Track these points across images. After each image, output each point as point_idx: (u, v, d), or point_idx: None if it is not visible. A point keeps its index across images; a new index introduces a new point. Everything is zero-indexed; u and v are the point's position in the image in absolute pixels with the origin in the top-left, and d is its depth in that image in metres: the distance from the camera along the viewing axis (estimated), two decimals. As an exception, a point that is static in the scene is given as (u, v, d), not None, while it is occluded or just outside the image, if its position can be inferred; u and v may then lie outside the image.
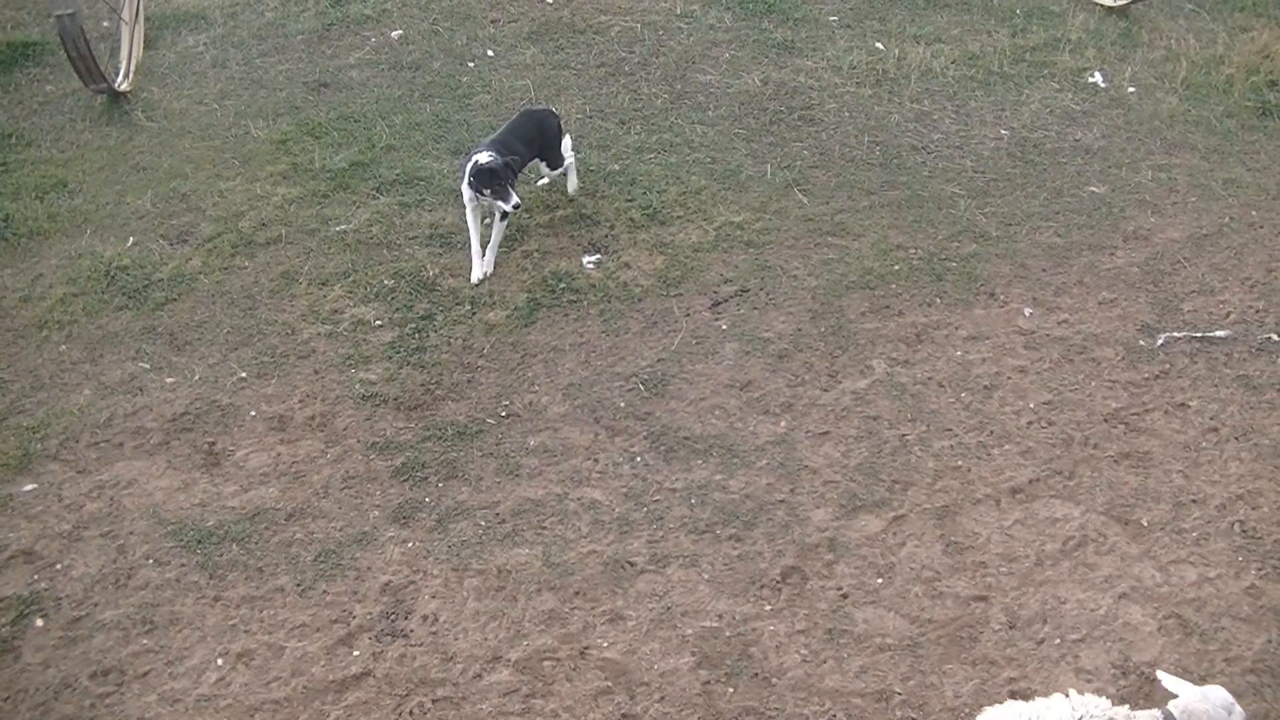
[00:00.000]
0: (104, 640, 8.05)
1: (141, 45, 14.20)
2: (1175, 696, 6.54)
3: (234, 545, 8.61)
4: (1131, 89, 13.04)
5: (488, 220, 10.85)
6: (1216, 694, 6.55)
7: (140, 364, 10.07)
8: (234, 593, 8.32)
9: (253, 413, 9.61)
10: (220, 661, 7.90)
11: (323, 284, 10.73)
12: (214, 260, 11.04)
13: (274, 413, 9.60)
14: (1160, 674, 6.78)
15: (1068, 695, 6.45)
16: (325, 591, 8.31)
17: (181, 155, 12.48)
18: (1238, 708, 6.53)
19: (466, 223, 10.76)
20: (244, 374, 9.93)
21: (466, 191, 10.54)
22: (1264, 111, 12.64)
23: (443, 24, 14.36)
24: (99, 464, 9.26)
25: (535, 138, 11.05)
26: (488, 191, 10.42)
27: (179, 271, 10.93)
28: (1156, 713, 6.45)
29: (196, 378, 9.91)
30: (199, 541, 8.64)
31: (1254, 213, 11.27)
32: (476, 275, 10.65)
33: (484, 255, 10.70)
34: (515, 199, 10.42)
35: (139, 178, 12.19)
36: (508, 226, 10.89)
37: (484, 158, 10.38)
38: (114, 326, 10.43)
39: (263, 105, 13.17)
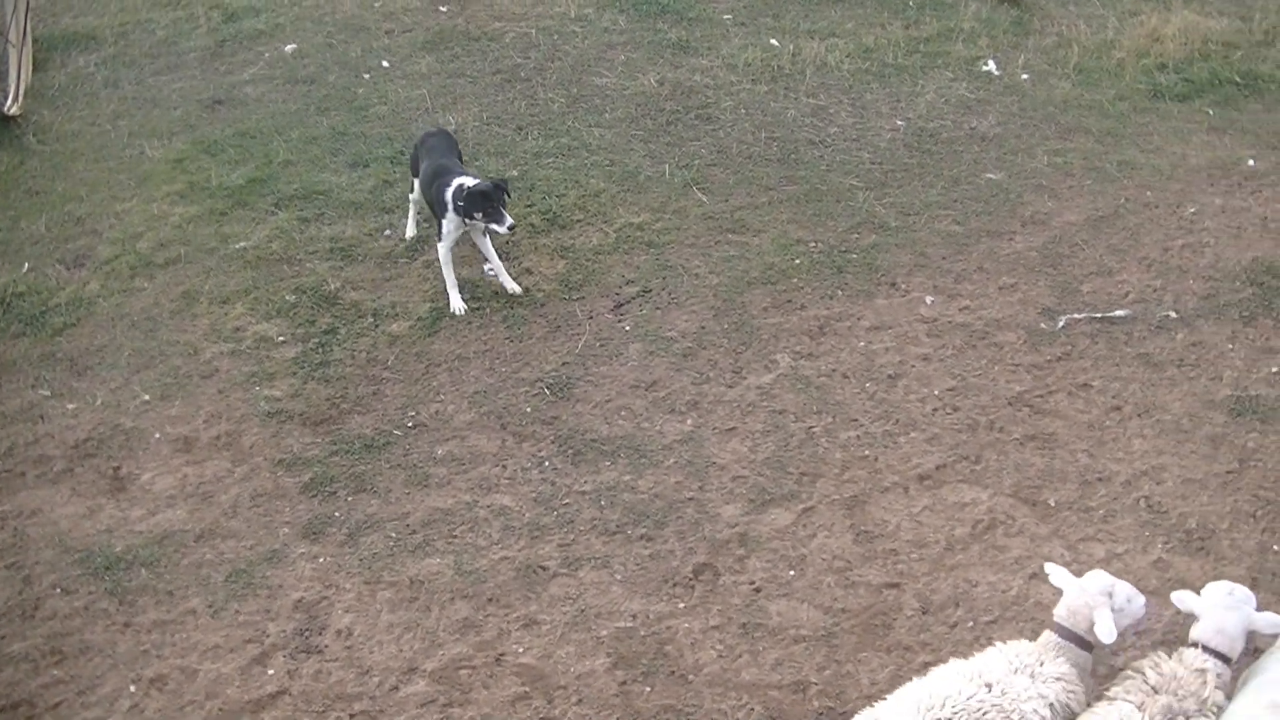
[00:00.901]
0: (12, 673, 7.95)
1: (30, 67, 14.06)
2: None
3: (143, 570, 8.53)
4: (1025, 76, 13.16)
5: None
6: (1094, 581, 6.68)
7: (40, 391, 9.97)
8: (144, 618, 8.24)
9: (157, 435, 9.53)
10: (133, 688, 7.82)
11: (224, 302, 10.66)
12: (113, 283, 10.95)
13: (179, 434, 9.52)
14: (1048, 566, 6.89)
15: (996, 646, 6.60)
16: (237, 611, 8.25)
17: (76, 178, 12.38)
18: (1120, 587, 6.66)
19: (439, 258, 10.50)
20: (147, 396, 9.85)
21: (451, 220, 10.26)
22: (1155, 94, 12.78)
23: (337, 37, 14.32)
24: (1, 494, 9.15)
25: (457, 150, 11.02)
26: (479, 215, 10.15)
27: (77, 296, 10.83)
28: (1048, 633, 6.61)
29: (99, 402, 9.82)
30: (107, 568, 8.55)
31: (1149, 193, 11.40)
32: (459, 307, 10.51)
33: (458, 292, 10.52)
34: (509, 219, 10.16)
35: (33, 202, 12.07)
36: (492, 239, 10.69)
37: (469, 182, 10.17)
38: (12, 354, 10.32)
39: (157, 124, 13.07)
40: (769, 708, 7.48)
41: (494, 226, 10.18)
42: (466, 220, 10.24)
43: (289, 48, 14.12)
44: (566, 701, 7.58)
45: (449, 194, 10.19)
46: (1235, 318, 9.94)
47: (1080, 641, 6.57)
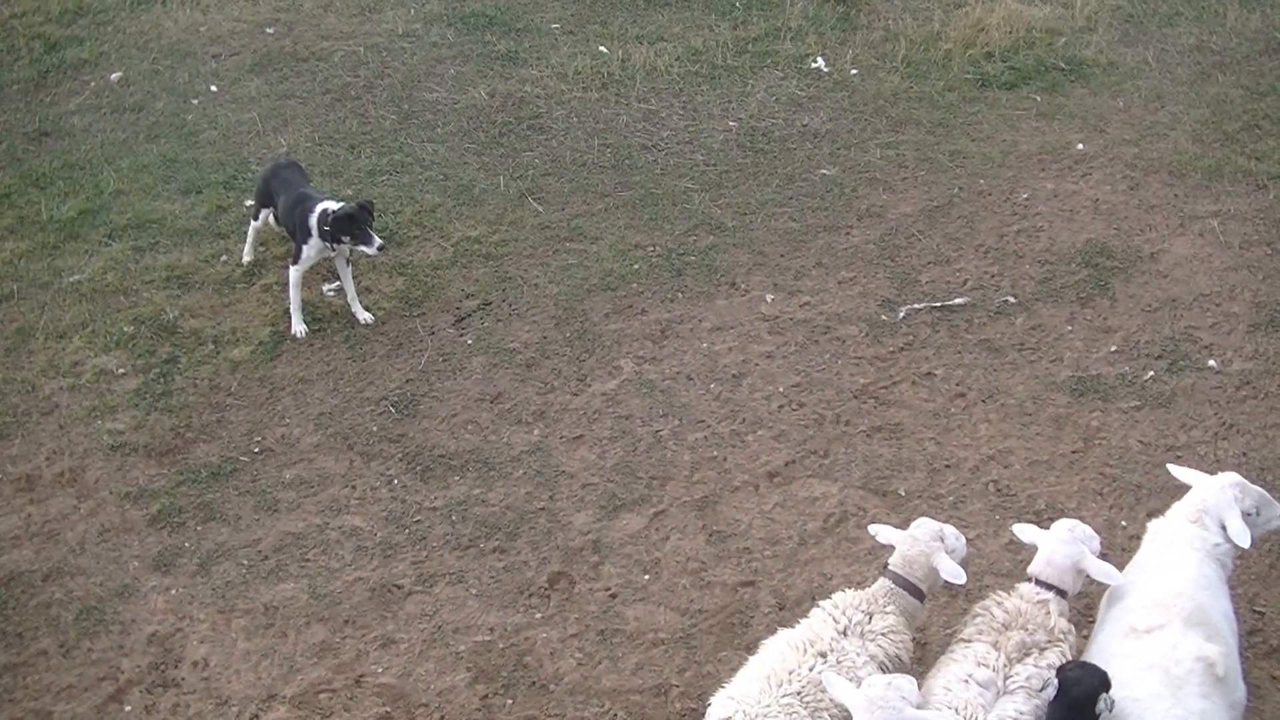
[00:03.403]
0: None
1: None
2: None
3: (-10, 613, 8.41)
4: (854, 71, 13.31)
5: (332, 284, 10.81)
6: (923, 530, 6.91)
7: (-126, 437, 9.77)
8: (-7, 662, 8.12)
9: (-2, 475, 9.39)
10: (-15, 735, 7.73)
11: (60, 337, 10.49)
12: (-57, 324, 10.74)
13: (20, 473, 9.36)
14: (872, 527, 7.13)
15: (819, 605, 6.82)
16: (90, 649, 8.14)
17: (-101, 219, 12.12)
18: (947, 530, 6.92)
19: (289, 280, 10.40)
20: (-16, 437, 9.69)
21: (314, 245, 10.18)
22: (982, 83, 12.99)
23: (163, 63, 14.13)
24: None
25: (307, 178, 10.94)
26: (347, 239, 10.06)
27: (-94, 338, 10.62)
28: (883, 580, 6.81)
29: (-65, 445, 9.65)
30: (-48, 613, 8.42)
31: (981, 181, 11.60)
32: (300, 330, 10.42)
33: (301, 315, 10.43)
34: (378, 240, 10.06)
35: None
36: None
37: (333, 205, 10.07)
38: None
39: (-19, 160, 12.83)
40: (631, 713, 7.54)
41: (363, 248, 10.09)
42: (333, 246, 10.17)
43: (114, 76, 13.92)
44: (429, 719, 7.58)
45: (313, 220, 10.12)
46: (1072, 299, 10.15)
47: (913, 590, 6.74)
